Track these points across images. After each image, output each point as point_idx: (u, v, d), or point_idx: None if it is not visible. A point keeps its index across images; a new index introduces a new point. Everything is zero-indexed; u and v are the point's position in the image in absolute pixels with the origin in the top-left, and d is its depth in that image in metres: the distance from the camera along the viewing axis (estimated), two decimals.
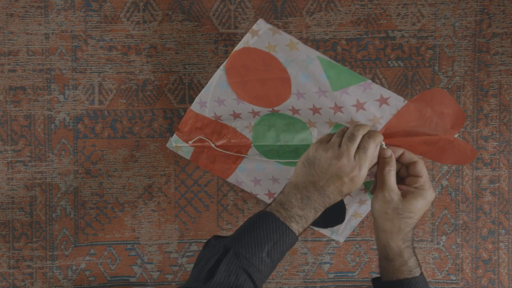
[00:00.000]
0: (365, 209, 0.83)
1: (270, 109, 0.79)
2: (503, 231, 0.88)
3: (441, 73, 0.87)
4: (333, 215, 0.82)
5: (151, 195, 0.88)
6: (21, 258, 0.88)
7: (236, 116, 0.81)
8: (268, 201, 0.85)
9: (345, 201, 0.83)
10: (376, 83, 0.86)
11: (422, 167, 0.70)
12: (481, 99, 0.87)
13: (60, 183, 0.88)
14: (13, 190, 0.88)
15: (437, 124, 0.73)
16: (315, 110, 0.77)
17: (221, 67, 0.77)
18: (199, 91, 0.87)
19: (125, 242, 0.88)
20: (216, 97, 0.80)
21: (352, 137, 0.67)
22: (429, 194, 0.70)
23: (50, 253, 0.88)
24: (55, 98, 0.87)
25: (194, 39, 0.87)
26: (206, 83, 0.87)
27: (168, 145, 0.84)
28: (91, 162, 0.87)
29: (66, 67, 0.87)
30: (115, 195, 0.88)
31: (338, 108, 0.75)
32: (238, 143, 0.82)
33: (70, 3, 0.86)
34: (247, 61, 0.76)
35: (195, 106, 0.81)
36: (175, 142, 0.84)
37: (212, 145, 0.83)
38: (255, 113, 0.80)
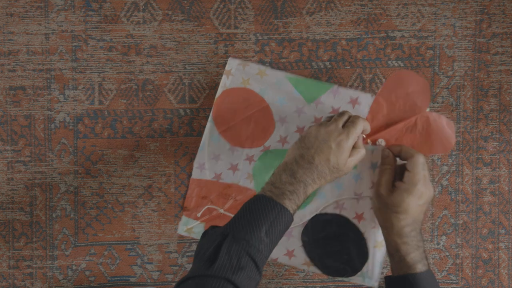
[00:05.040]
0: None
1: (262, 147, 0.84)
2: (503, 231, 0.88)
3: (441, 73, 0.87)
4: (355, 250, 0.82)
5: (151, 195, 0.88)
6: (21, 258, 0.88)
7: (234, 169, 0.85)
8: (289, 261, 0.85)
9: (361, 229, 0.82)
10: (376, 83, 0.87)
11: (415, 163, 0.71)
12: (481, 99, 0.87)
13: (60, 183, 0.88)
14: (13, 190, 0.88)
15: (406, 105, 0.77)
16: (300, 131, 0.83)
17: (209, 118, 0.84)
18: (199, 91, 0.87)
19: (125, 242, 0.88)
20: (212, 154, 0.85)
21: (341, 113, 0.72)
22: (419, 191, 0.70)
23: (50, 253, 0.88)
24: (55, 98, 0.87)
25: (194, 39, 0.87)
26: (206, 83, 0.87)
27: (179, 231, 0.86)
28: (91, 162, 0.87)
29: (66, 67, 0.87)
30: (115, 195, 0.88)
31: (318, 120, 0.81)
32: (244, 199, 0.84)
33: (70, 3, 0.86)
34: (229, 103, 0.83)
35: (195, 173, 0.85)
36: (186, 225, 0.86)
37: (221, 210, 0.85)
38: (250, 159, 0.84)
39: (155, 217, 0.88)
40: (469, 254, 0.88)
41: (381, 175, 0.74)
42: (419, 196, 0.71)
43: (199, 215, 0.85)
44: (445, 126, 0.77)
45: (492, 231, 0.88)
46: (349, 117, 0.72)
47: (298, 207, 0.68)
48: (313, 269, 0.85)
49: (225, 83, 0.83)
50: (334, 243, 0.83)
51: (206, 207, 0.85)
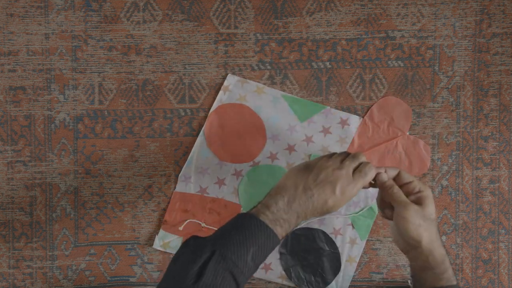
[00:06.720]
0: (358, 250, 0.87)
1: (251, 162, 0.86)
2: (503, 231, 0.88)
3: (441, 73, 0.87)
4: (329, 264, 0.86)
5: (151, 195, 0.88)
6: (21, 258, 0.88)
7: (221, 183, 0.86)
8: (265, 275, 0.87)
9: (337, 243, 0.86)
10: (376, 83, 0.87)
11: (416, 183, 0.70)
12: (481, 99, 0.87)
13: (60, 183, 0.88)
14: (13, 190, 0.88)
15: (389, 129, 0.86)
16: (291, 149, 0.86)
17: (201, 133, 0.86)
18: (199, 91, 0.87)
19: (125, 242, 0.88)
20: (199, 168, 0.86)
21: (355, 158, 0.69)
22: (430, 192, 0.70)
23: (50, 253, 0.88)
24: (55, 98, 0.87)
25: (194, 39, 0.87)
26: (206, 83, 0.87)
27: (155, 245, 0.87)
28: (91, 162, 0.87)
29: (66, 67, 0.87)
30: (115, 195, 0.88)
31: (309, 138, 0.86)
32: (228, 214, 0.86)
33: (70, 3, 0.86)
34: (222, 119, 0.86)
35: (179, 186, 0.86)
36: (162, 239, 0.86)
37: (203, 224, 0.86)
38: (237, 173, 0.86)
39: (155, 217, 0.88)
40: (469, 254, 0.88)
41: (397, 198, 0.69)
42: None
43: (181, 228, 0.86)
44: (422, 149, 0.85)
45: (492, 231, 0.88)
46: (361, 163, 0.69)
47: (287, 233, 0.66)
48: (288, 282, 0.87)
49: (221, 98, 0.86)
50: (310, 256, 0.87)
51: (188, 220, 0.86)
